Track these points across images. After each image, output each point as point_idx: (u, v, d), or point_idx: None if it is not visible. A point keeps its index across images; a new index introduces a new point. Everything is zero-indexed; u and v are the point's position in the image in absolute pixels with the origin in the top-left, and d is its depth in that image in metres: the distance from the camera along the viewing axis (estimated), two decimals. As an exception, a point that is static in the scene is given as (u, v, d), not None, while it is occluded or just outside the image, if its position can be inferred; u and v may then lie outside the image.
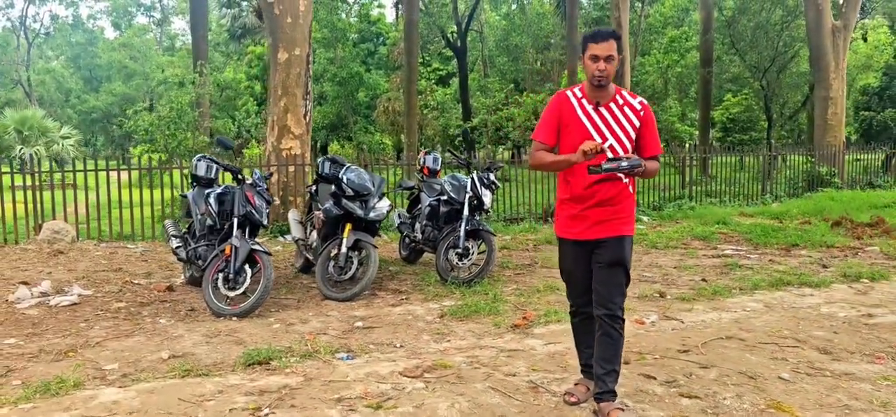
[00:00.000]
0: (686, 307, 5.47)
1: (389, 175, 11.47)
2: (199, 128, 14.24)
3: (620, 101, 3.20)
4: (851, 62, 21.42)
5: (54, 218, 9.45)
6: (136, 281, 6.59)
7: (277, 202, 9.59)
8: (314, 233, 6.58)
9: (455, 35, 29.18)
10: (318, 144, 28.22)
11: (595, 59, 3.08)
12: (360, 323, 5.02)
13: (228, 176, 6.16)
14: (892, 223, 9.58)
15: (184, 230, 6.48)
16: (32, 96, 42.33)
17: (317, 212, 6.37)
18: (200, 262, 5.87)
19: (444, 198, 6.71)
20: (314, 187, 6.93)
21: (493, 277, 6.50)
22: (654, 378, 3.73)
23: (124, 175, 12.19)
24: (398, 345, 4.46)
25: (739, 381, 3.70)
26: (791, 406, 3.35)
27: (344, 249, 5.97)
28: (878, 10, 28.43)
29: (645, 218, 11.17)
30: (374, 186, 6.21)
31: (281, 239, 9.25)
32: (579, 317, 3.42)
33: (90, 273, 6.92)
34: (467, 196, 6.47)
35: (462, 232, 6.37)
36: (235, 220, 5.50)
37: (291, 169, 9.90)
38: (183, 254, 6.18)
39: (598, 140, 3.12)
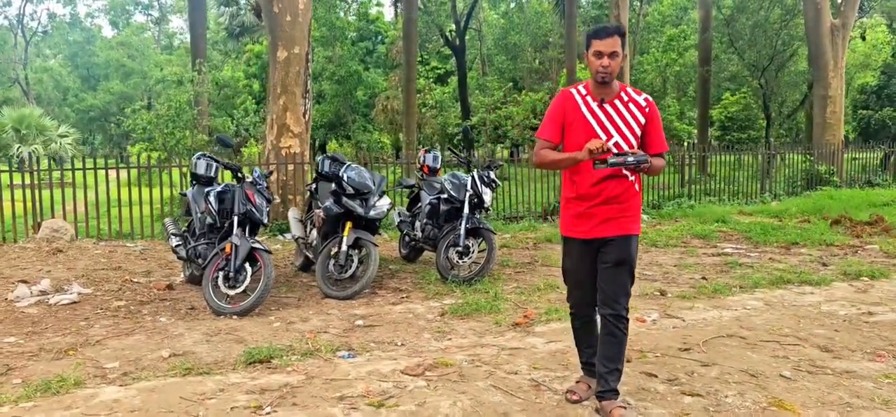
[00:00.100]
0: (687, 305, 5.47)
1: (388, 173, 11.46)
2: (198, 127, 14.24)
3: (625, 98, 3.16)
4: (850, 61, 21.46)
5: (53, 217, 9.43)
6: (135, 280, 6.57)
7: (277, 200, 9.58)
8: (314, 232, 6.57)
9: (454, 33, 29.17)
10: (317, 143, 28.20)
11: (599, 55, 3.04)
12: (360, 322, 5.01)
13: (228, 174, 6.15)
14: (892, 221, 9.59)
15: (183, 228, 6.46)
16: (30, 95, 42.25)
17: (317, 211, 6.36)
18: (200, 261, 5.85)
19: (445, 196, 6.70)
20: (314, 185, 6.92)
21: (493, 275, 6.50)
22: (656, 377, 3.73)
23: (123, 173, 12.16)
24: (399, 344, 4.45)
25: (741, 379, 3.70)
26: (793, 403, 3.35)
27: (344, 247, 5.96)
28: (876, 8, 28.47)
29: (644, 217, 11.17)
30: (374, 184, 6.20)
31: (280, 237, 9.24)
32: (580, 319, 3.40)
33: (89, 271, 6.91)
34: (468, 194, 6.46)
35: (462, 231, 6.36)
36: (235, 218, 5.49)
37: (291, 167, 9.88)
38: (183, 253, 6.17)
39: (603, 137, 3.09)
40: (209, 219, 5.87)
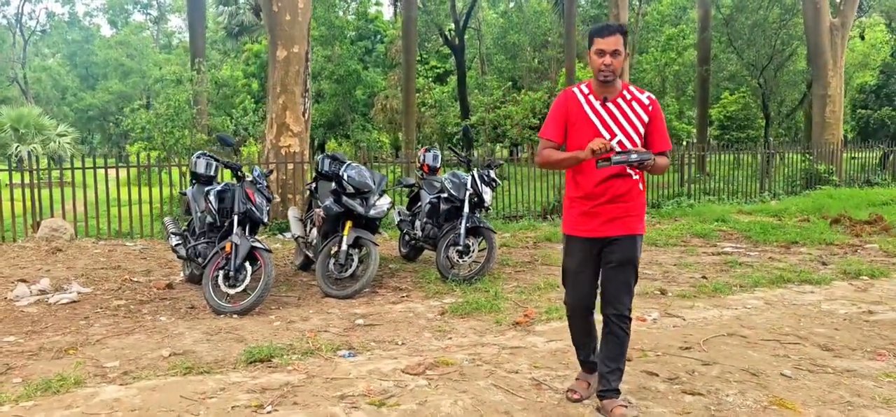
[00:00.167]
0: (687, 304, 5.47)
1: (388, 172, 11.45)
2: (197, 126, 14.23)
3: (628, 96, 3.15)
4: (848, 60, 21.45)
5: (52, 216, 9.42)
6: (135, 279, 6.57)
7: (277, 199, 9.58)
8: (314, 231, 6.57)
9: (453, 33, 29.14)
10: (317, 142, 28.18)
11: (601, 53, 3.03)
12: (360, 321, 5.01)
13: (228, 173, 6.14)
14: (891, 220, 9.60)
15: (183, 227, 6.46)
16: (28, 94, 42.19)
17: (317, 210, 6.36)
18: (200, 260, 5.85)
19: (445, 195, 6.70)
20: (314, 184, 6.92)
21: (493, 275, 6.49)
22: (657, 376, 3.73)
23: (122, 172, 12.15)
24: (400, 343, 4.45)
25: (742, 378, 3.70)
26: (793, 402, 3.35)
27: (344, 247, 5.96)
28: (875, 8, 28.47)
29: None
30: (374, 183, 6.19)
31: (280, 236, 9.24)
32: (578, 318, 3.36)
33: (89, 270, 6.90)
34: (468, 193, 6.46)
35: (462, 230, 6.36)
36: (236, 217, 5.48)
37: (290, 166, 9.88)
38: (182, 252, 6.16)
39: (607, 136, 3.08)
40: (209, 218, 5.87)
